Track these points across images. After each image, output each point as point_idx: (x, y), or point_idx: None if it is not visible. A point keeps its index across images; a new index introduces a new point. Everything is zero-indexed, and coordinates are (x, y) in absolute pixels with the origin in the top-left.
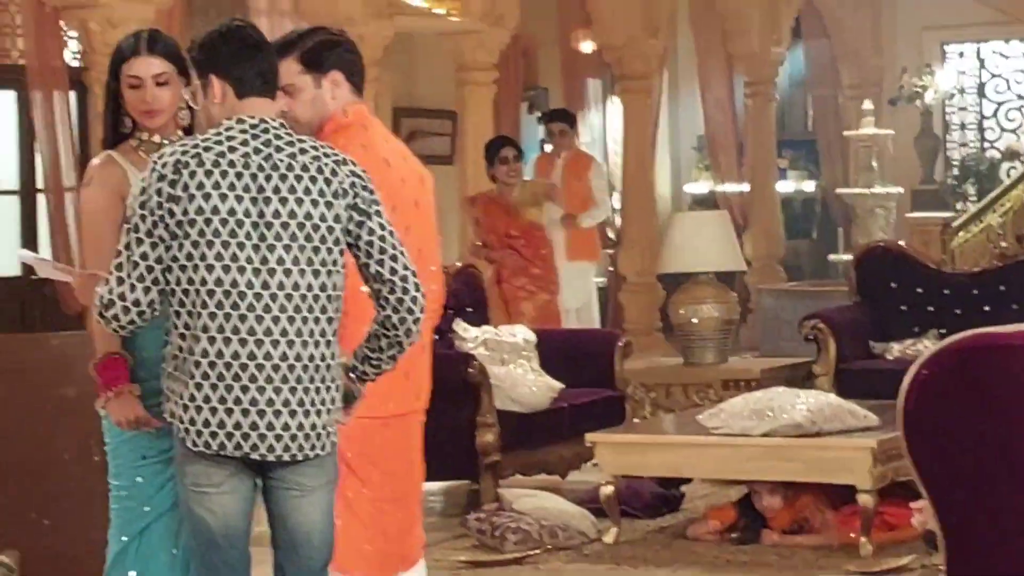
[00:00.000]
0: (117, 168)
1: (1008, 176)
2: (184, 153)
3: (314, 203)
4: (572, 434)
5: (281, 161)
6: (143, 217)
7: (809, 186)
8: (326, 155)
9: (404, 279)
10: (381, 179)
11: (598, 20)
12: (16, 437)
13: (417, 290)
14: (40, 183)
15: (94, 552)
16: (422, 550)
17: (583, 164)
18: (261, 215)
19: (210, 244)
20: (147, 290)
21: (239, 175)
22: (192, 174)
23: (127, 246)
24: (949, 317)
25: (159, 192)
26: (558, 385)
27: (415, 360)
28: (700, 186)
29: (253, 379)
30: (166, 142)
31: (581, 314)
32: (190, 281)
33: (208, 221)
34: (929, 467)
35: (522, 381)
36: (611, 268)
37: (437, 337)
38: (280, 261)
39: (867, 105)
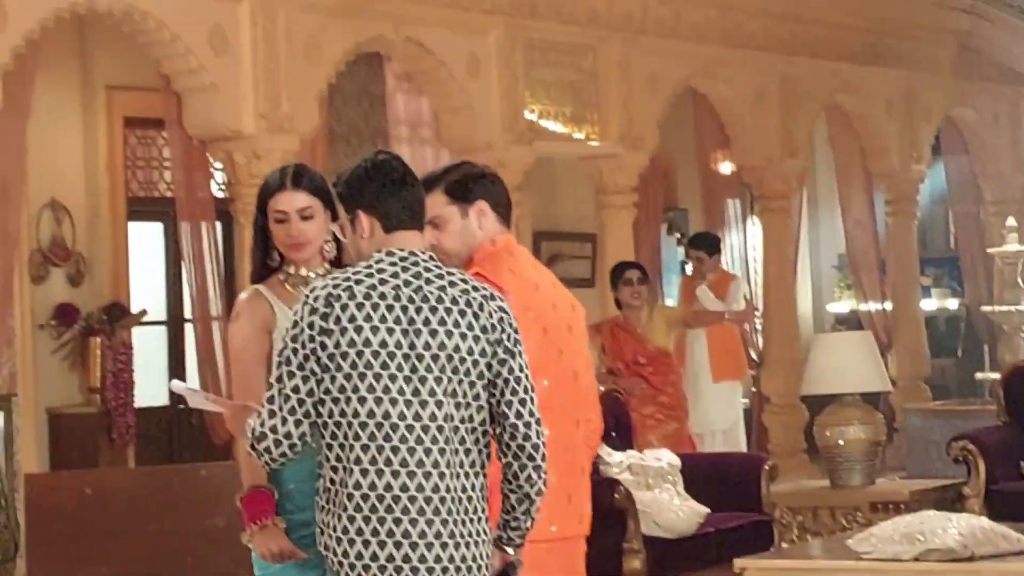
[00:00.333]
0: (264, 302)
1: None
2: (336, 287)
3: (463, 336)
4: (719, 559)
5: (431, 293)
6: (295, 351)
7: (953, 304)
8: (475, 288)
9: (527, 425)
10: (529, 301)
11: (736, 141)
12: (167, 567)
13: (538, 437)
14: (187, 313)
15: None
16: None
17: (724, 285)
18: (412, 347)
19: (362, 376)
20: (298, 423)
21: (390, 307)
22: (344, 307)
23: (279, 379)
24: None
25: (311, 325)
26: (704, 510)
27: (577, 485)
28: (842, 305)
29: (405, 511)
30: (312, 275)
31: (728, 436)
32: (342, 413)
33: (360, 354)
34: None
35: (668, 506)
36: (754, 389)
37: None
38: (432, 393)
39: (1011, 222)
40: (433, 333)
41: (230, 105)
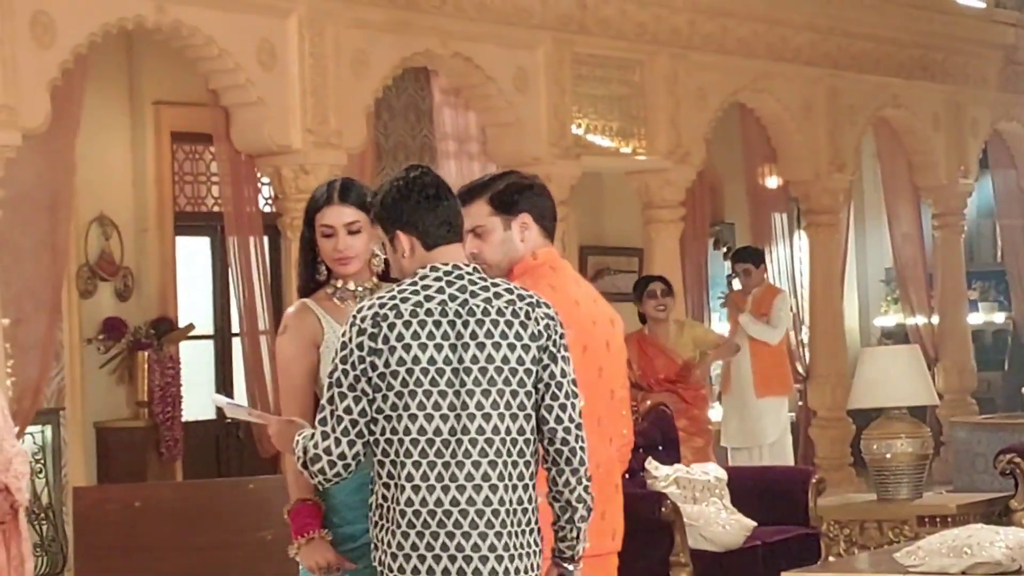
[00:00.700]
0: (311, 316)
1: None
2: (382, 306)
3: (511, 347)
4: (766, 573)
5: (477, 306)
6: (345, 372)
7: (999, 317)
8: (520, 297)
9: (567, 430)
10: (570, 318)
11: (784, 155)
12: None
13: (578, 442)
14: (235, 327)
15: None
16: None
17: (769, 300)
18: (460, 361)
19: (412, 394)
20: (352, 444)
21: (437, 323)
22: (391, 326)
23: (330, 400)
24: None
25: (360, 346)
26: (751, 523)
27: (609, 500)
28: (889, 319)
29: (457, 525)
30: (360, 288)
31: (774, 449)
32: (393, 431)
33: (410, 371)
34: None
35: (715, 519)
36: (801, 403)
37: (627, 476)
38: (479, 406)
39: None
40: (480, 346)
41: (278, 120)
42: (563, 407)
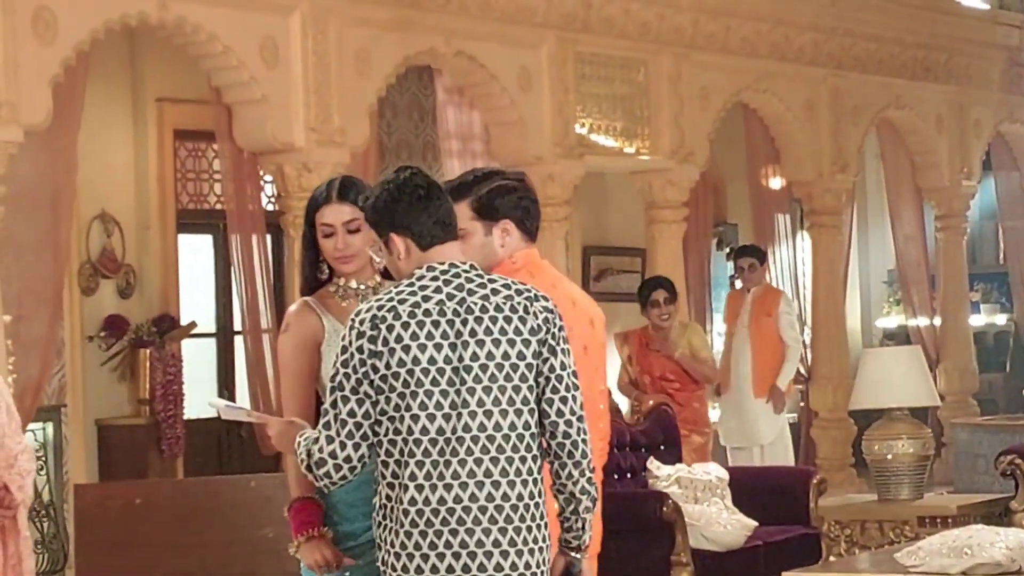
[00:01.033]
0: (312, 315)
1: None
2: (380, 308)
3: (511, 343)
4: (767, 573)
5: (475, 304)
6: (347, 375)
7: (1001, 319)
8: (519, 292)
9: (568, 423)
10: None
11: (787, 156)
12: None
13: (579, 435)
14: (237, 325)
15: None
16: None
17: (773, 300)
18: (460, 359)
19: (414, 395)
20: (357, 446)
21: (436, 323)
22: (390, 328)
23: (333, 404)
24: None
25: (360, 349)
26: (752, 523)
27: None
28: (891, 320)
29: (461, 522)
30: (363, 287)
31: (772, 449)
32: (396, 432)
33: (411, 372)
34: None
35: (716, 519)
36: (802, 403)
37: (629, 476)
38: (480, 403)
39: None
40: (480, 344)
41: (281, 118)
42: (564, 400)
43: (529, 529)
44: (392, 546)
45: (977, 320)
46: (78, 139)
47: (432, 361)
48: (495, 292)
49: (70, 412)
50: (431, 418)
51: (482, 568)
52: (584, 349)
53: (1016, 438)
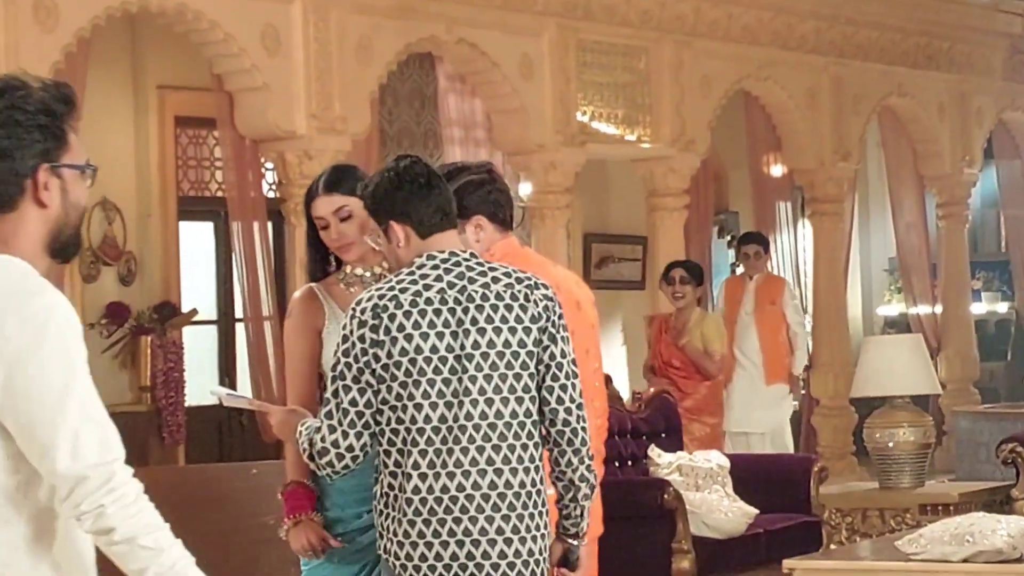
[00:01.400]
0: (316, 301)
1: None
2: (381, 297)
3: (512, 331)
4: (768, 560)
5: (476, 292)
6: (348, 365)
7: (1003, 307)
8: (519, 280)
9: (568, 411)
10: None
11: (788, 144)
12: (218, 565)
13: (579, 423)
14: (238, 312)
15: None
16: None
17: (776, 288)
18: (462, 347)
19: (416, 383)
20: (359, 435)
21: (437, 312)
22: (392, 317)
23: (335, 393)
24: None
25: (361, 338)
26: (753, 511)
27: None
28: (892, 308)
29: (464, 510)
30: (367, 274)
31: (774, 438)
32: (399, 421)
33: (413, 361)
34: None
35: (717, 507)
36: (803, 391)
37: (630, 464)
38: (481, 391)
39: None
40: (481, 332)
41: (282, 105)
42: (563, 387)
43: (531, 516)
44: (395, 535)
45: (978, 308)
46: (79, 126)
47: (434, 349)
48: (495, 280)
49: None
50: (433, 406)
51: (485, 555)
52: (571, 333)
53: (1017, 426)
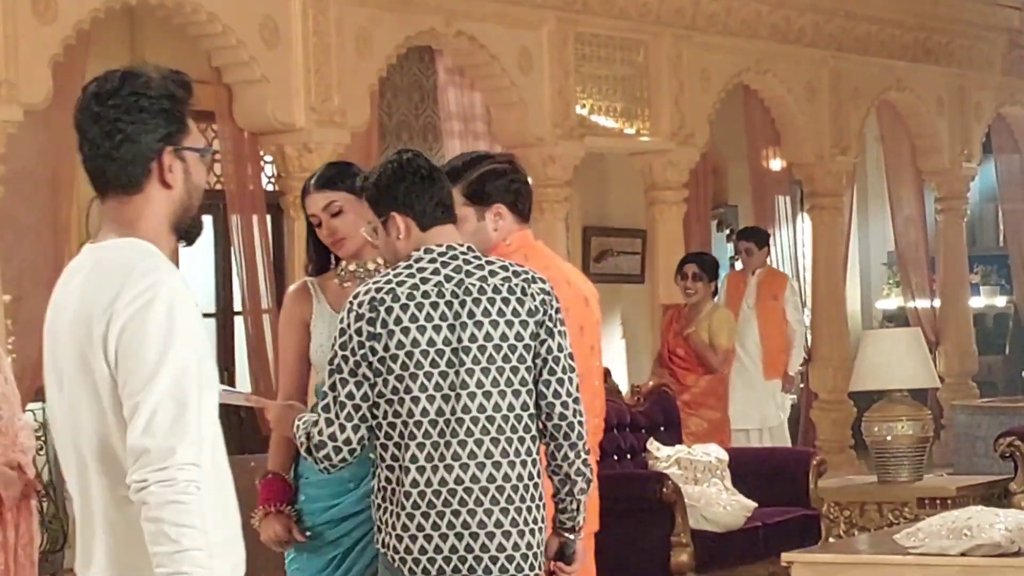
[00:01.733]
0: (305, 293)
1: None
2: (379, 290)
3: (509, 324)
4: (767, 554)
5: (473, 285)
6: (345, 358)
7: (1001, 301)
8: (516, 274)
9: (564, 405)
10: None
11: (787, 138)
12: None
13: (575, 416)
14: (237, 305)
15: None
16: None
17: (779, 284)
18: (459, 341)
19: (413, 376)
20: (356, 428)
21: (434, 305)
22: (389, 310)
23: (332, 387)
24: None
25: (359, 332)
26: (751, 504)
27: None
28: (890, 302)
29: (462, 503)
30: (361, 269)
31: (778, 431)
32: (396, 414)
33: (410, 355)
34: None
35: (716, 500)
36: (802, 385)
37: (628, 457)
38: (479, 384)
39: None
40: (479, 325)
41: (281, 98)
42: (560, 381)
43: (529, 510)
44: (393, 528)
45: (977, 302)
46: None
47: (431, 343)
48: (493, 274)
49: None
50: (430, 400)
51: (484, 548)
52: (580, 329)
53: (1015, 420)
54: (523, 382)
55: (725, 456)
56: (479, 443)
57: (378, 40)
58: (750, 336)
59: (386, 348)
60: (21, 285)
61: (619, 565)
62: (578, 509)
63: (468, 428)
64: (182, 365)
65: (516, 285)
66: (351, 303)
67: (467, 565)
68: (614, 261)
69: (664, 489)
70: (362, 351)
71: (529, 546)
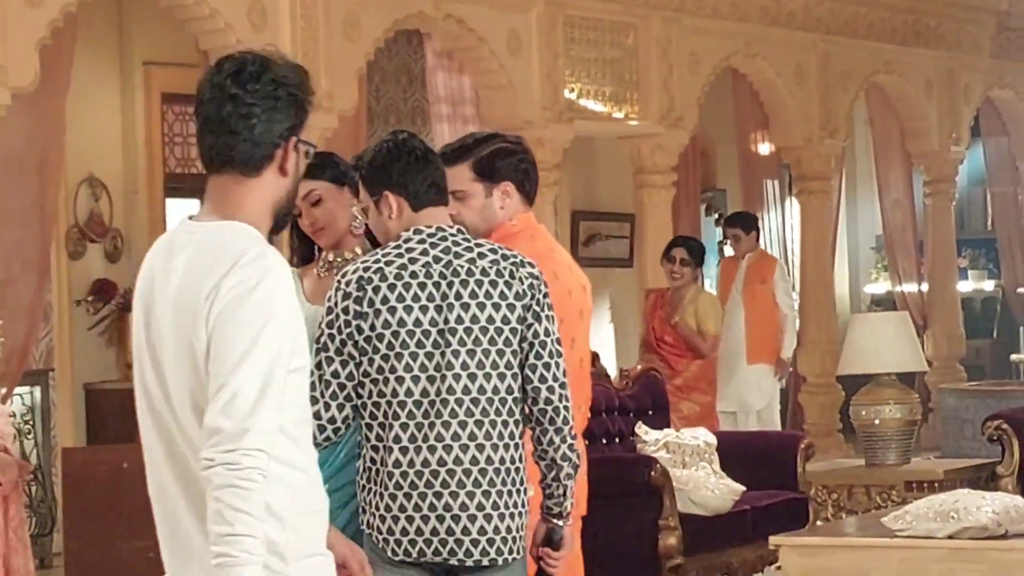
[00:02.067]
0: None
1: None
2: (367, 270)
3: (496, 307)
4: (755, 537)
5: (461, 267)
6: (331, 336)
7: (989, 285)
8: (504, 257)
9: (551, 389)
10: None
11: (776, 121)
12: None
13: (562, 401)
14: None
15: None
16: None
17: (767, 268)
18: (446, 322)
19: (398, 356)
20: (341, 407)
21: (422, 285)
22: (376, 289)
23: (318, 365)
24: None
25: (345, 310)
26: (739, 488)
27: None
28: (879, 286)
29: (445, 485)
30: (339, 260)
31: (762, 415)
32: (380, 394)
33: (396, 334)
34: None
35: (704, 484)
36: (791, 369)
37: (617, 441)
38: (464, 366)
39: None
40: (465, 307)
41: None
42: (547, 366)
43: (511, 493)
44: (377, 508)
45: (965, 286)
46: (66, 103)
47: (417, 323)
48: (481, 256)
49: (58, 376)
50: (415, 380)
51: (465, 531)
52: (580, 313)
53: (1003, 403)
54: (508, 365)
55: (713, 440)
56: (463, 425)
57: (366, 23)
58: (737, 321)
59: (372, 327)
60: (9, 268)
61: (607, 549)
62: (565, 494)
63: (452, 409)
64: (274, 354)
65: (504, 268)
66: (339, 281)
67: (447, 548)
68: (603, 245)
69: (652, 473)
70: (348, 330)
71: (509, 530)
